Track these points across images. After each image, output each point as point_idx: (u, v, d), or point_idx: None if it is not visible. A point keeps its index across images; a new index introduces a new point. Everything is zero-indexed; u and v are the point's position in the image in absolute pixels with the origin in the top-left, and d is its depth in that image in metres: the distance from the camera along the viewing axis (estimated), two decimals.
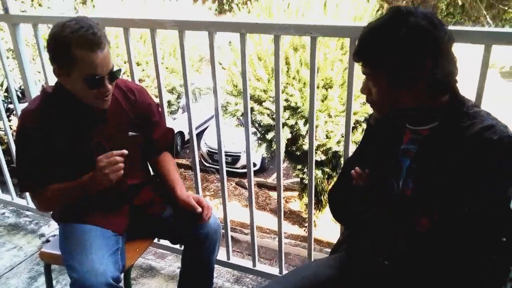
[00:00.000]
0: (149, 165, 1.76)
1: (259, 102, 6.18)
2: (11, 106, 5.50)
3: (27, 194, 2.51)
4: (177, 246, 2.05)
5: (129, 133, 1.50)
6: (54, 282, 1.88)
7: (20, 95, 4.52)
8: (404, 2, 13.72)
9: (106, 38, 1.32)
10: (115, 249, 1.42)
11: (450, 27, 1.11)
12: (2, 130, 4.92)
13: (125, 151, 1.34)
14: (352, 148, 1.48)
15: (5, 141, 2.57)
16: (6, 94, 6.22)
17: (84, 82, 1.29)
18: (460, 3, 13.00)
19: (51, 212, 1.61)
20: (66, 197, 1.43)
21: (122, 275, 1.41)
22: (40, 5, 9.18)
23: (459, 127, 1.03)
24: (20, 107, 2.23)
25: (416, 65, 1.00)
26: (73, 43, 1.24)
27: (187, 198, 1.52)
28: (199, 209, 1.50)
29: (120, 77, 1.48)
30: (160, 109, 1.68)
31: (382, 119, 1.22)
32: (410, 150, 1.14)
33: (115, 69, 1.34)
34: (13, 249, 2.30)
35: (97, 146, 1.43)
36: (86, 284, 1.26)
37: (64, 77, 1.32)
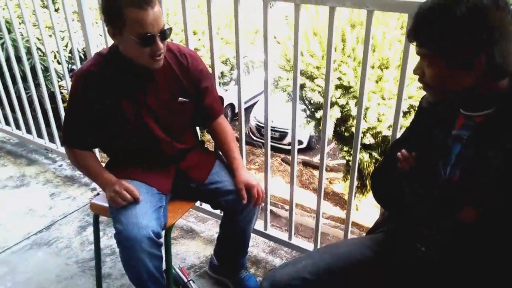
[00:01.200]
0: (198, 130, 1.80)
1: (311, 78, 6.07)
2: (74, 67, 5.79)
3: None
4: (218, 212, 2.12)
5: (179, 98, 1.53)
6: (101, 233, 2.02)
7: (82, 57, 4.74)
8: None
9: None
10: (158, 206, 1.49)
11: None
12: (66, 89, 5.19)
13: (140, 198, 1.44)
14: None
15: (66, 99, 2.78)
16: (70, 55, 6.53)
17: (136, 40, 1.32)
18: None
19: (104, 166, 1.69)
20: (89, 174, 1.58)
21: (163, 232, 1.48)
22: None
23: None
24: None
25: (475, 46, 0.94)
26: (124, 2, 1.27)
27: (240, 185, 1.55)
28: (244, 202, 1.55)
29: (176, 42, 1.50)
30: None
31: (435, 102, 1.17)
32: (462, 136, 1.09)
33: (166, 27, 1.36)
34: (67, 199, 2.47)
35: (147, 110, 1.47)
36: (129, 235, 1.34)
37: (118, 37, 1.36)
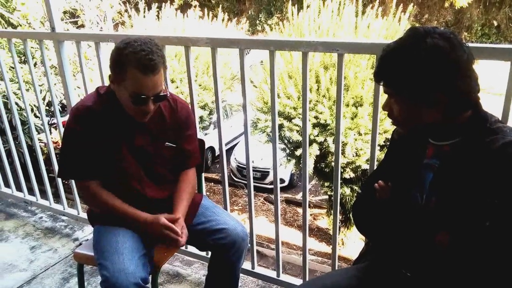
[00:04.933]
0: None
1: (289, 119, 6.23)
2: (54, 120, 5.79)
3: (64, 200, 2.65)
4: (204, 254, 2.12)
5: (166, 143, 1.59)
6: (85, 283, 1.97)
7: (60, 110, 4.78)
8: (436, 22, 13.57)
9: (164, 63, 1.44)
10: (144, 252, 1.49)
11: (473, 45, 1.13)
12: (43, 142, 5.17)
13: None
14: None
15: (45, 152, 2.77)
16: (47, 108, 6.54)
17: (129, 97, 1.41)
18: (495, 24, 12.76)
19: (87, 215, 1.70)
20: (112, 211, 1.52)
21: (150, 278, 1.48)
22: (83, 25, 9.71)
23: (481, 142, 1.04)
24: (60, 120, 2.37)
25: (436, 85, 1.02)
26: (130, 63, 1.37)
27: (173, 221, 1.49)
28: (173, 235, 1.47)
29: None
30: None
31: (405, 134, 1.25)
32: (433, 164, 1.15)
33: (162, 93, 1.45)
34: (48, 251, 2.42)
35: (135, 151, 1.53)
36: (116, 282, 1.33)
37: (115, 85, 1.45)
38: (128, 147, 1.52)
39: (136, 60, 1.36)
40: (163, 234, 1.46)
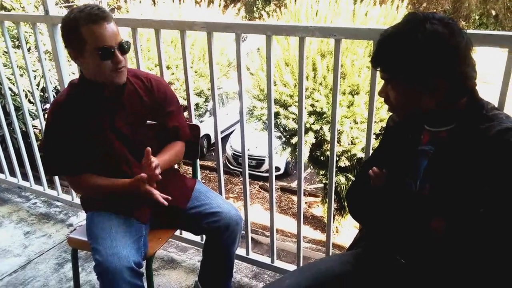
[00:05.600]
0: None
1: (285, 106, 6.21)
2: (47, 105, 5.75)
3: (58, 185, 2.64)
4: (198, 240, 2.12)
5: (148, 121, 1.57)
6: (79, 268, 1.98)
7: (54, 96, 4.74)
8: (435, 11, 13.50)
9: (112, 17, 1.41)
10: (138, 236, 1.49)
11: (473, 31, 1.13)
12: (38, 128, 5.14)
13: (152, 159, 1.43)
14: None
15: (39, 138, 2.75)
16: (41, 94, 6.48)
17: (96, 55, 1.38)
18: (493, 13, 12.72)
19: (80, 201, 1.69)
20: (104, 192, 1.53)
21: (144, 262, 1.47)
22: None
23: (477, 129, 1.04)
24: None
25: (433, 70, 1.01)
26: (80, 21, 1.35)
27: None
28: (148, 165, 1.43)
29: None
30: (183, 106, 1.73)
31: (400, 121, 1.24)
32: (428, 151, 1.15)
33: (123, 41, 1.42)
34: (42, 237, 2.42)
35: (117, 133, 1.52)
36: (109, 267, 1.33)
37: (79, 59, 1.42)
38: (110, 129, 1.51)
39: (84, 16, 1.35)
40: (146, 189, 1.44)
